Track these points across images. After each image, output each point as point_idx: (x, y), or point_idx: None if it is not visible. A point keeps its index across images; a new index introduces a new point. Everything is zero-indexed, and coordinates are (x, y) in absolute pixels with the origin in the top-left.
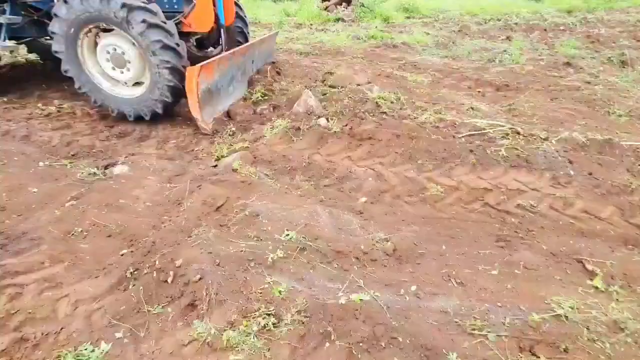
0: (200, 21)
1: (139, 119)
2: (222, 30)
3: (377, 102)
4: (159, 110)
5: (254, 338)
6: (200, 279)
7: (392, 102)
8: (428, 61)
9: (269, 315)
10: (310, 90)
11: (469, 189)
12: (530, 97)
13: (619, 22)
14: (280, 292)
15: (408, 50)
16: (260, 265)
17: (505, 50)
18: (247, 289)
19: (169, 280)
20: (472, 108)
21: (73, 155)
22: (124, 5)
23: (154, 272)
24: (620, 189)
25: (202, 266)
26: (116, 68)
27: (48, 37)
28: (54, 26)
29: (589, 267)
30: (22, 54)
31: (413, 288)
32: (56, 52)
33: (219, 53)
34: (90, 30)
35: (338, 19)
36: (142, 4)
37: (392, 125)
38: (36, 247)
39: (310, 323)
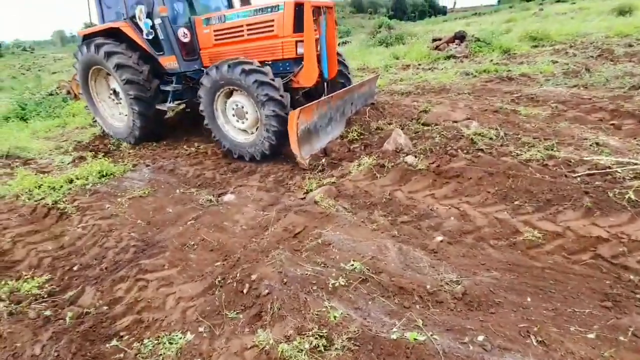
0: (306, 78)
1: (252, 159)
2: (325, 83)
3: (472, 139)
4: (267, 151)
5: (304, 355)
6: (268, 293)
7: (491, 139)
8: (550, 92)
9: (321, 337)
10: (402, 128)
11: (577, 236)
12: None
13: None
14: (335, 317)
15: (527, 82)
16: (322, 289)
17: None
18: (305, 309)
19: (245, 291)
20: (597, 143)
21: (199, 185)
22: (242, 71)
23: (235, 282)
24: None
25: (272, 283)
26: (238, 119)
27: (196, 99)
28: (200, 90)
29: None
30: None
31: (480, 338)
32: (202, 111)
33: None
34: (223, 91)
35: (449, 57)
36: (257, 68)
37: (487, 163)
38: (162, 253)
39: (359, 352)
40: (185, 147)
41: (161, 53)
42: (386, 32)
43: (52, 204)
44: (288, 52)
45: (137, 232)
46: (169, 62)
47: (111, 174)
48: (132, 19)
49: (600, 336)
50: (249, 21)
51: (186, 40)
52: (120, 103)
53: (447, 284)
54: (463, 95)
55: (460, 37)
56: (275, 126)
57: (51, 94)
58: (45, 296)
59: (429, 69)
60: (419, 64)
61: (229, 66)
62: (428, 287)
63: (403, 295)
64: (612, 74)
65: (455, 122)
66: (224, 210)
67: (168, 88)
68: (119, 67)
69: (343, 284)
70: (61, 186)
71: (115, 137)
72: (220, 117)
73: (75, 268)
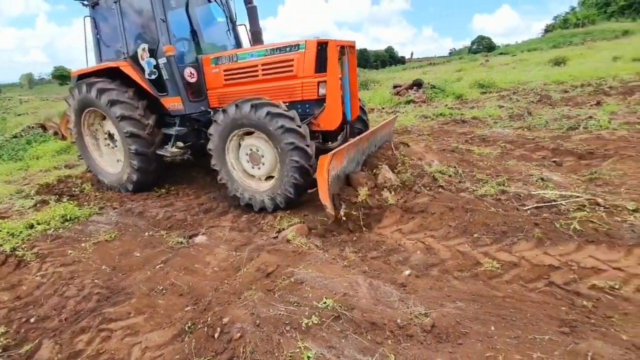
0: (329, 121)
1: (277, 208)
2: (347, 126)
3: (434, 176)
4: (282, 205)
5: None
6: (240, 336)
7: (450, 176)
8: (498, 133)
9: None
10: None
11: (531, 265)
12: (618, 164)
13: None
14: (309, 357)
15: (478, 124)
16: (295, 329)
17: (591, 116)
18: (279, 351)
19: (216, 335)
20: (542, 179)
21: (169, 227)
22: (268, 114)
23: (206, 327)
24: None
25: (244, 325)
26: (253, 164)
27: (203, 141)
28: (212, 128)
29: None
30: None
31: None
32: (210, 150)
33: (338, 146)
34: (238, 132)
35: (409, 101)
36: (284, 112)
37: (447, 199)
38: (128, 300)
39: None
40: (155, 188)
41: (164, 94)
42: None
43: (10, 252)
44: (308, 93)
45: (101, 279)
46: (173, 103)
47: (75, 217)
48: (134, 57)
49: None
50: (265, 61)
51: (193, 80)
52: (116, 147)
53: (417, 317)
54: (423, 136)
55: (417, 84)
56: (296, 179)
57: (15, 137)
58: (0, 351)
59: (392, 112)
60: (383, 108)
61: (252, 106)
62: (399, 321)
63: (375, 331)
64: (551, 117)
65: (420, 159)
66: (195, 252)
67: (171, 131)
68: (112, 103)
69: (316, 322)
70: (20, 232)
71: (108, 185)
72: (232, 160)
73: (32, 320)
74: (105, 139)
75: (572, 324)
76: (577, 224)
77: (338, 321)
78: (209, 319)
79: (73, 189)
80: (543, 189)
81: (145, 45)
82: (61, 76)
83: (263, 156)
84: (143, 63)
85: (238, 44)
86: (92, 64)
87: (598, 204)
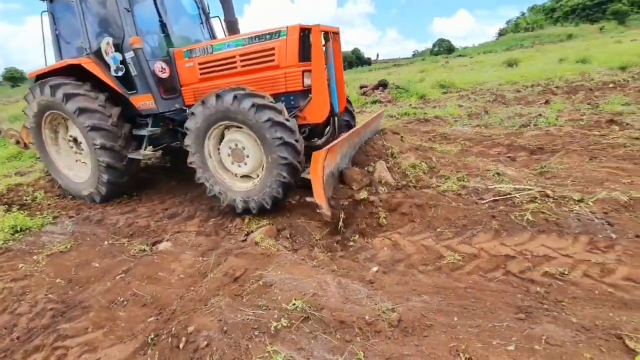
0: (316, 113)
1: (247, 212)
2: (335, 119)
3: (405, 172)
4: (268, 205)
5: None
6: (207, 345)
7: (424, 172)
8: (459, 131)
9: None
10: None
11: (489, 256)
12: (564, 158)
13: None
14: None
15: (440, 123)
16: (264, 333)
17: (540, 114)
18: (247, 357)
19: (181, 345)
20: (497, 174)
21: (131, 234)
22: (253, 105)
23: (170, 337)
24: None
25: (210, 333)
26: (234, 162)
27: (178, 143)
28: (190, 121)
29: (631, 344)
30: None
31: None
32: (187, 146)
33: (325, 142)
34: (219, 126)
35: (375, 101)
36: (270, 104)
37: (414, 195)
38: (86, 314)
39: None
40: None
41: (133, 92)
42: None
43: None
44: (292, 84)
45: (55, 293)
46: (144, 101)
47: (27, 228)
48: (97, 53)
49: (519, 347)
50: (243, 51)
51: (164, 75)
52: (82, 153)
53: (384, 312)
54: (388, 135)
55: (383, 84)
56: (285, 177)
57: None
58: None
59: (359, 112)
60: None
61: (235, 97)
62: (367, 317)
63: (344, 330)
64: (505, 115)
65: (402, 152)
66: (159, 259)
67: (143, 132)
68: (68, 97)
69: (285, 325)
70: None
71: (74, 195)
72: (211, 147)
73: None
74: (69, 141)
75: (528, 310)
76: (530, 215)
77: (307, 322)
78: (174, 328)
79: (24, 197)
80: (499, 183)
81: (110, 39)
82: (13, 78)
83: (248, 156)
84: (108, 58)
85: (213, 38)
86: (51, 63)
87: (548, 196)
